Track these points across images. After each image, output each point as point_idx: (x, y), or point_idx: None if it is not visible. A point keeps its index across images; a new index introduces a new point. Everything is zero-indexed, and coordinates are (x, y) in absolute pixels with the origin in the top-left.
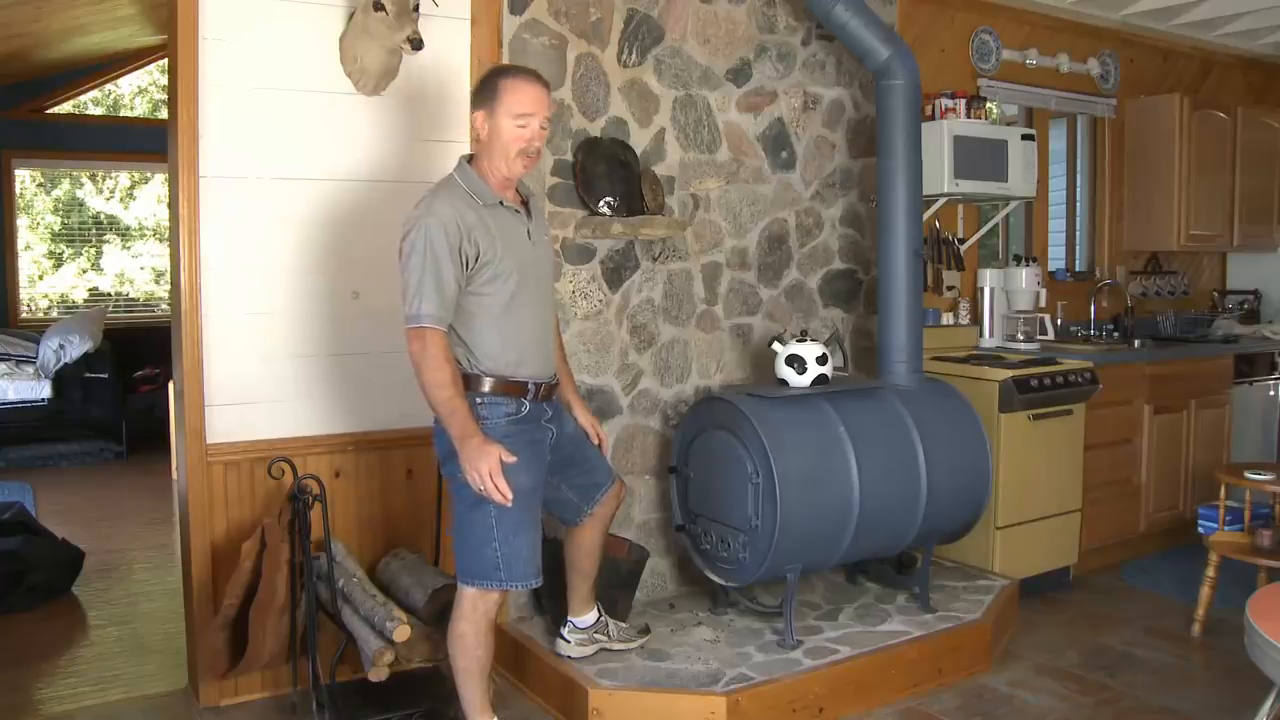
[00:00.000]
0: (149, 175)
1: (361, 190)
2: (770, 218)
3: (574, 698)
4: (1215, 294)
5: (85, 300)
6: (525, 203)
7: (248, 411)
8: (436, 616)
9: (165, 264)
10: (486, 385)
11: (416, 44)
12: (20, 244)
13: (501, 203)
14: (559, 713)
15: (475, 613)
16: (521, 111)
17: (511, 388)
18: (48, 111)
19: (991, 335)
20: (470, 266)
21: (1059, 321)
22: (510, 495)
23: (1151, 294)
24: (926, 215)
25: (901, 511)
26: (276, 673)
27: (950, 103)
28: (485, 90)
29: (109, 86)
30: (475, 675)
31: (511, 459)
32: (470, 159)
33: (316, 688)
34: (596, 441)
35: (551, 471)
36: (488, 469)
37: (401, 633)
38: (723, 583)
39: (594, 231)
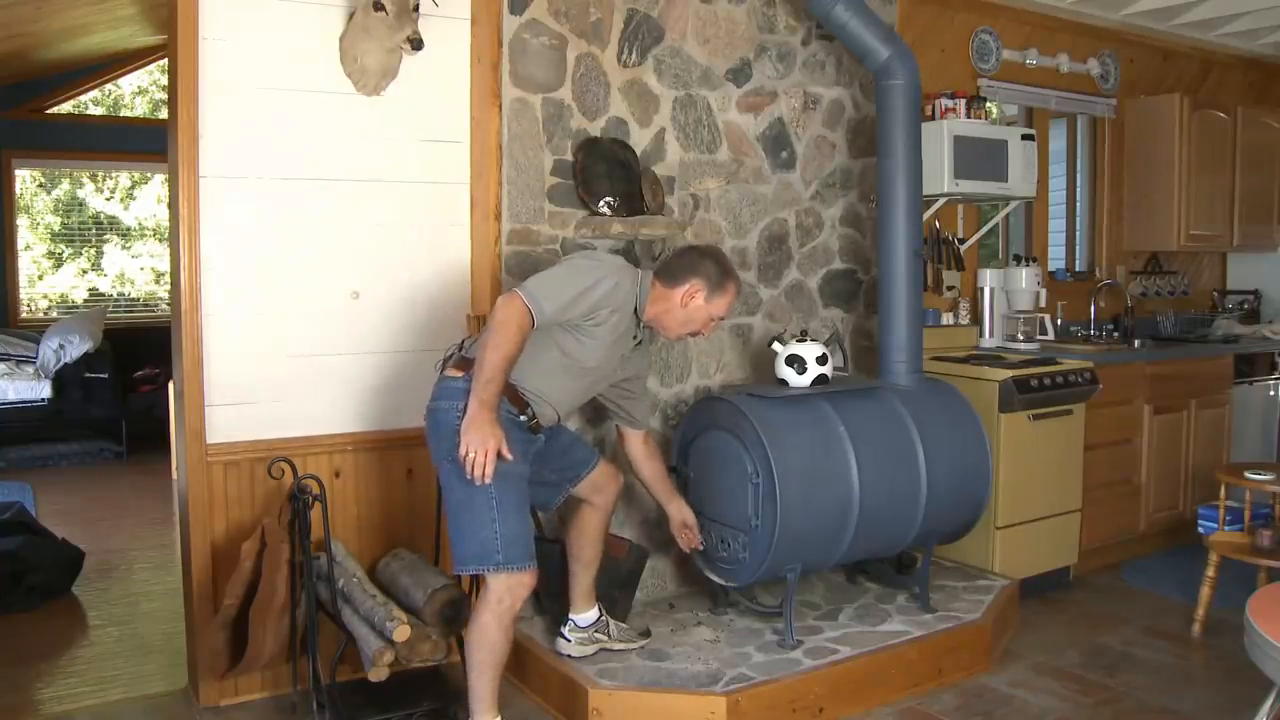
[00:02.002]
0: (149, 175)
1: (361, 190)
2: (770, 218)
3: (574, 698)
4: (1215, 294)
5: (85, 300)
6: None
7: (248, 411)
8: (437, 616)
9: (165, 264)
10: (506, 389)
11: (416, 44)
12: (20, 244)
13: (639, 323)
14: (559, 713)
15: (501, 605)
16: (721, 316)
17: (519, 401)
18: (48, 111)
19: (991, 335)
20: (584, 319)
21: (1059, 321)
22: (489, 477)
23: (1151, 294)
24: (926, 215)
25: (901, 511)
26: (276, 673)
27: (950, 103)
28: (715, 276)
29: (109, 86)
30: (490, 669)
31: (509, 457)
32: (652, 279)
33: (316, 688)
34: (691, 527)
35: (531, 461)
36: (485, 441)
37: (401, 633)
38: (723, 583)
39: (594, 231)
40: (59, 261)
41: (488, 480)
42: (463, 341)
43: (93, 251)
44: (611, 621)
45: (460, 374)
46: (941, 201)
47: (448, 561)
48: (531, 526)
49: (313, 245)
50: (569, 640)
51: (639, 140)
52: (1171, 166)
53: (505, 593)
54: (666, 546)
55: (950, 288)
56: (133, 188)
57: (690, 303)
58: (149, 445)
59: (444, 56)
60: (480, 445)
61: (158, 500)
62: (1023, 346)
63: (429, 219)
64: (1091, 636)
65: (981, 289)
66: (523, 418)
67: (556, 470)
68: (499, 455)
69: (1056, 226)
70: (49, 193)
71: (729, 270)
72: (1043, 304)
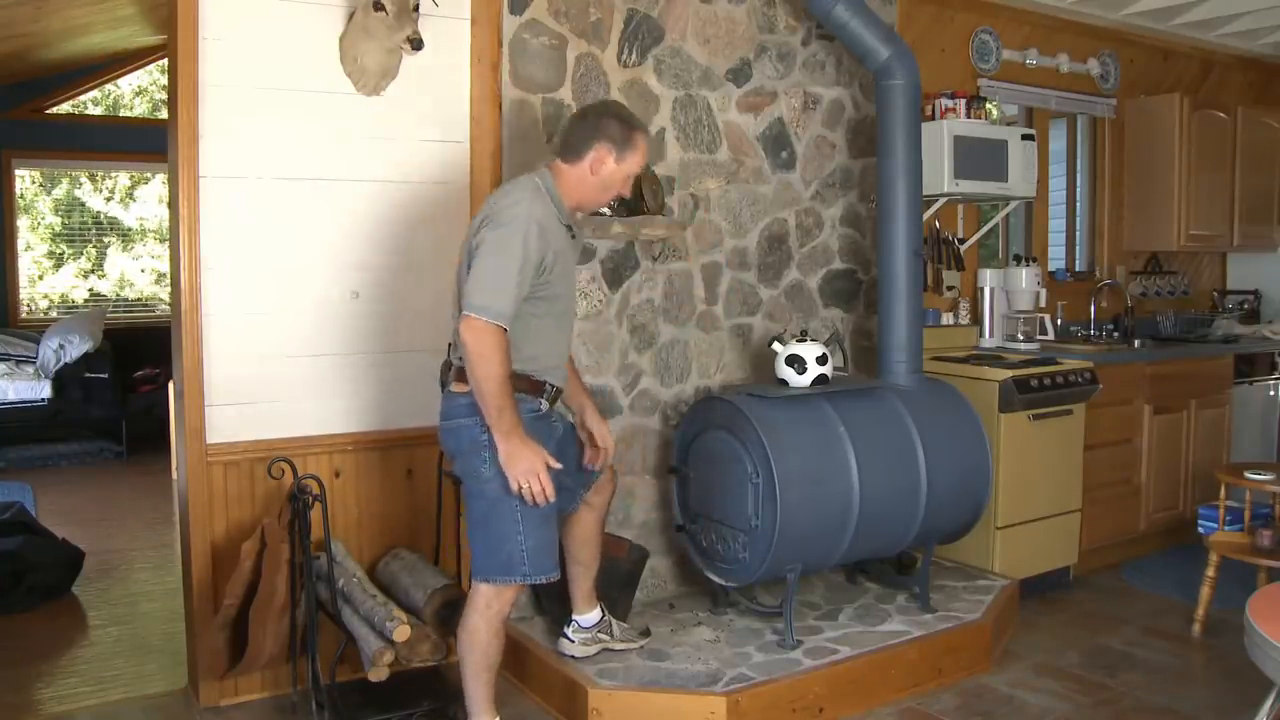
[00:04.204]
0: (148, 176)
1: (361, 190)
2: (770, 218)
3: (574, 698)
4: (1215, 294)
5: (86, 300)
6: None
7: (248, 411)
8: (436, 617)
9: (165, 266)
10: (516, 381)
11: (416, 44)
12: (20, 244)
13: (568, 225)
14: (559, 713)
15: (490, 609)
16: (639, 169)
17: (534, 386)
18: (48, 111)
19: (991, 335)
20: (541, 277)
21: (1059, 321)
22: (552, 496)
23: (1151, 294)
24: (926, 215)
25: (901, 511)
26: (276, 673)
27: (950, 103)
28: (621, 133)
29: (109, 86)
30: (484, 672)
31: (558, 465)
32: (550, 170)
33: (316, 688)
34: (600, 445)
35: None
36: (533, 469)
37: (401, 633)
38: (723, 583)
39: (594, 231)
40: (59, 262)
41: (553, 499)
42: (448, 345)
43: (93, 252)
44: (614, 622)
45: (468, 387)
46: (941, 201)
47: (448, 562)
48: (557, 533)
49: (313, 245)
50: (572, 641)
51: None
52: (1171, 166)
53: (494, 597)
54: (666, 547)
55: (950, 288)
56: (132, 188)
57: (601, 169)
58: (149, 445)
59: (444, 56)
60: (529, 473)
61: (158, 500)
62: (1023, 346)
63: (429, 219)
64: (1091, 636)
65: (981, 289)
66: (543, 403)
67: (572, 474)
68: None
69: (1056, 226)
70: (49, 193)
71: (631, 120)
72: (1043, 304)
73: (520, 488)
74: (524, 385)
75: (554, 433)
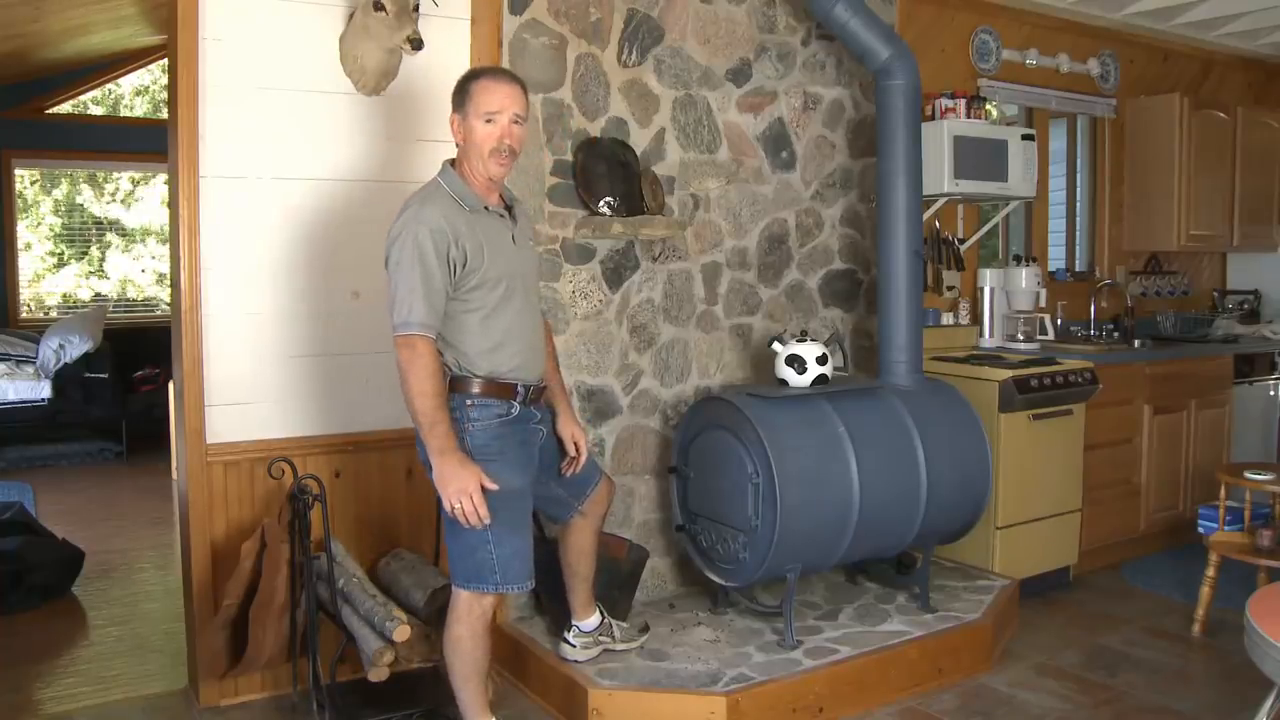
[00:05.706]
0: (150, 174)
1: (361, 190)
2: (770, 218)
3: (574, 698)
4: (1215, 294)
5: (88, 300)
6: (509, 207)
7: (248, 411)
8: (436, 616)
9: (166, 266)
10: (477, 387)
11: (416, 44)
12: (20, 244)
13: (487, 207)
14: (559, 713)
15: (471, 616)
16: (489, 109)
17: (503, 389)
18: (48, 111)
19: (991, 335)
20: (458, 273)
21: (1059, 321)
22: (486, 518)
23: (1151, 294)
24: (926, 215)
25: (901, 512)
26: (276, 673)
27: (950, 103)
28: (457, 94)
29: (109, 86)
30: (472, 678)
31: (495, 487)
32: (453, 163)
33: (316, 688)
34: (574, 453)
35: (541, 469)
36: (464, 489)
37: (401, 633)
38: (723, 583)
39: (594, 231)
40: (60, 262)
41: (487, 521)
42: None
43: (96, 254)
44: (615, 624)
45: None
46: (941, 201)
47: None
48: (531, 541)
49: (313, 245)
50: (573, 646)
51: (639, 140)
52: (1171, 166)
53: (474, 603)
54: (666, 547)
55: (950, 288)
56: (134, 190)
57: (461, 137)
58: (149, 445)
59: (444, 56)
60: (461, 494)
61: (158, 500)
62: (1023, 346)
63: None
64: (1091, 636)
65: (981, 289)
66: (514, 406)
67: (566, 484)
68: (495, 471)
69: (1056, 226)
70: (49, 193)
71: (469, 73)
72: (1043, 304)
73: (453, 509)
74: (492, 390)
75: (533, 438)
